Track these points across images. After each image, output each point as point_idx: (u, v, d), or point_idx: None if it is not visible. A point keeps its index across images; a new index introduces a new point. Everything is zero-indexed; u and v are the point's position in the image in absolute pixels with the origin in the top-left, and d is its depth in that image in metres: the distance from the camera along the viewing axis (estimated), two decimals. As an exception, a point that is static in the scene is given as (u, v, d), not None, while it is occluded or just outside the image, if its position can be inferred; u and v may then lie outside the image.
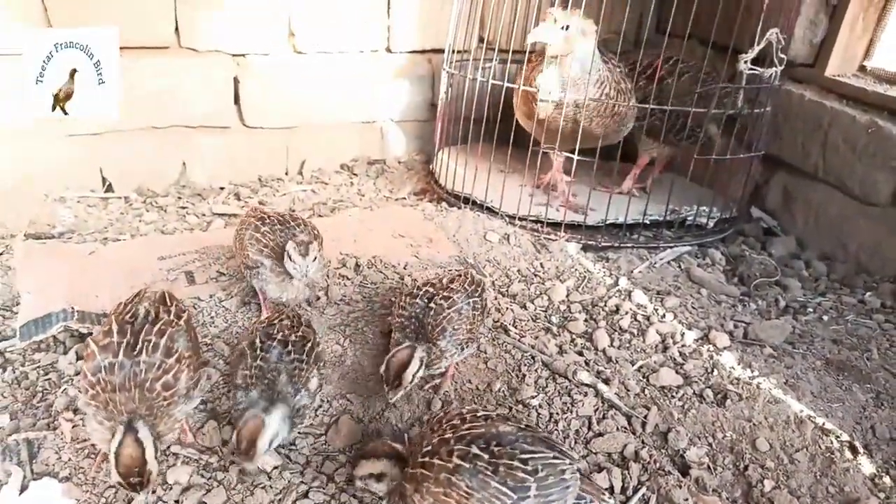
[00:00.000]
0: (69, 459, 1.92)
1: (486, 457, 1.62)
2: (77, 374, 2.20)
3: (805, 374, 2.55)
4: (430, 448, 1.67)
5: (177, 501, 1.84)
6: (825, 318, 2.94)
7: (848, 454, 2.20)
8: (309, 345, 2.05)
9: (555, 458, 1.68)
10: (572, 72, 3.04)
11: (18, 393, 2.16)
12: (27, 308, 2.37)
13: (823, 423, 2.30)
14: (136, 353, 1.74)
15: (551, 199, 3.52)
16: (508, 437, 1.68)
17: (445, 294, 2.26)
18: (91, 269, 2.68)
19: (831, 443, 2.23)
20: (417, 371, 2.09)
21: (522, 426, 1.75)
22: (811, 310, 3.00)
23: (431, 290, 2.28)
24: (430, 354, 2.14)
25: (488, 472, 1.60)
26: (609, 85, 3.14)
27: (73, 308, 2.36)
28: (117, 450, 1.63)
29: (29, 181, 3.48)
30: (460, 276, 2.39)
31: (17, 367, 2.27)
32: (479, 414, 1.75)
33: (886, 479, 2.13)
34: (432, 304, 2.23)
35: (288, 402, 1.87)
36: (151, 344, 1.77)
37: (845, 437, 2.26)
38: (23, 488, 1.80)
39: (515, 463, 1.62)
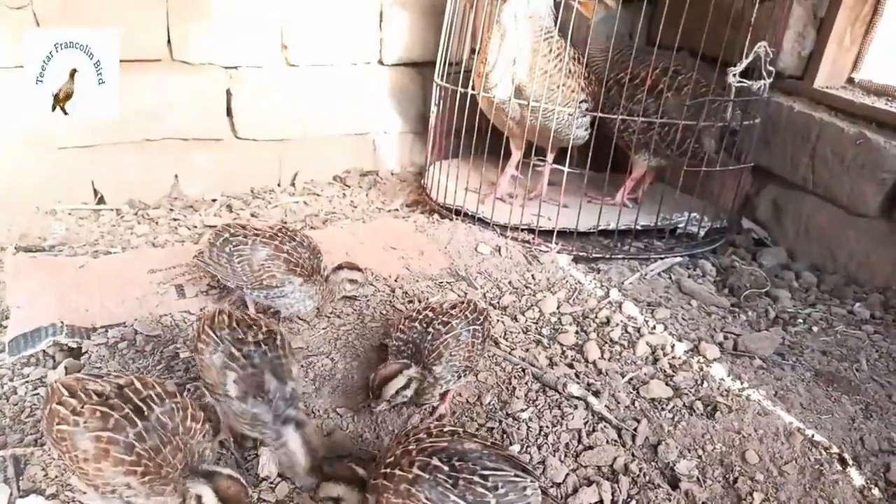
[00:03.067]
0: (56, 476, 1.91)
1: (446, 469, 1.63)
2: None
3: (794, 385, 2.55)
4: (392, 459, 1.69)
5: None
6: (815, 329, 2.96)
7: (837, 466, 2.21)
8: (279, 337, 2.08)
9: (516, 475, 1.68)
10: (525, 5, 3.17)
11: (6, 408, 2.15)
12: (17, 322, 2.37)
13: (813, 435, 2.31)
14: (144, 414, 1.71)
15: (498, 195, 3.66)
16: (472, 454, 1.69)
17: (444, 319, 2.24)
18: (81, 282, 2.68)
19: (820, 454, 2.24)
20: (403, 388, 2.09)
21: (488, 444, 1.77)
22: (801, 321, 3.01)
23: (431, 314, 2.27)
24: (424, 380, 2.13)
25: (447, 485, 1.61)
26: (559, 46, 3.25)
27: (62, 322, 2.36)
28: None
29: (20, 193, 3.47)
30: (462, 302, 2.37)
31: (6, 382, 2.26)
32: (445, 429, 1.77)
33: (875, 491, 2.13)
34: (430, 329, 2.21)
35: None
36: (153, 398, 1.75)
37: (834, 449, 2.26)
38: (10, 505, 1.79)
39: (476, 478, 1.63)
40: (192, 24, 3.56)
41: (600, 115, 3.30)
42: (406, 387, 2.10)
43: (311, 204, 3.91)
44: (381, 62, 4.16)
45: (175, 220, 3.61)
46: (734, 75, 3.11)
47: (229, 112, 3.86)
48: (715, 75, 3.28)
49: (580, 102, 3.40)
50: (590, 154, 3.37)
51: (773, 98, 3.51)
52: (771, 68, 3.19)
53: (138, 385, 1.74)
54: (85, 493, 1.81)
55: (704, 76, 3.34)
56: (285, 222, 3.65)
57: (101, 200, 3.71)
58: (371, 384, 2.11)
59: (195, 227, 3.52)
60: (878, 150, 3.16)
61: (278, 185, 4.14)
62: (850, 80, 3.58)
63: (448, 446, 1.69)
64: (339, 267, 2.62)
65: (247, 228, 2.56)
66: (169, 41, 3.58)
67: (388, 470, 1.67)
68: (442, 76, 3.63)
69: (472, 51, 3.91)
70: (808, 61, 3.59)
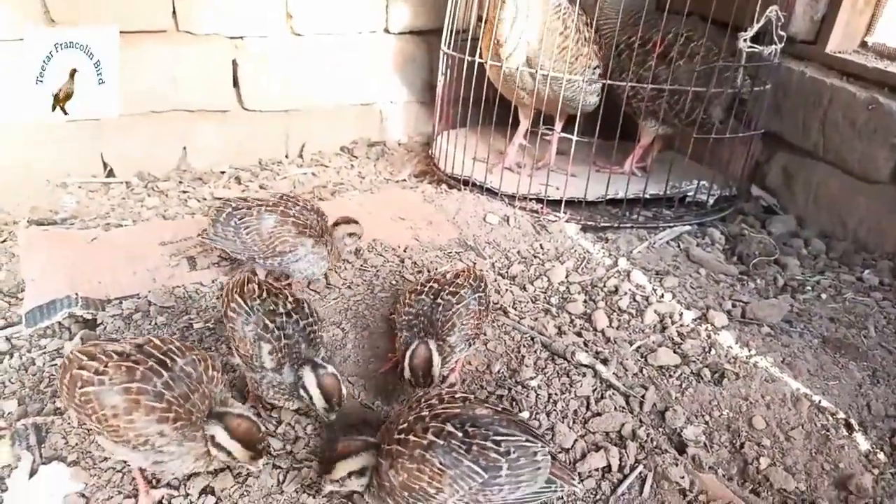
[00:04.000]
0: (76, 444, 1.96)
1: (460, 435, 1.66)
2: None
3: (802, 352, 2.57)
4: (405, 425, 1.71)
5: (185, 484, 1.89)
6: (823, 296, 2.96)
7: (843, 431, 2.24)
8: (306, 305, 2.12)
9: (527, 441, 1.72)
10: None
11: (26, 378, 2.20)
12: (32, 295, 2.41)
13: (819, 401, 2.33)
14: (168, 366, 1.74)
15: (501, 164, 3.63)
16: (483, 419, 1.72)
17: (452, 290, 2.25)
18: (94, 255, 2.71)
19: (827, 420, 2.26)
20: (440, 364, 2.10)
21: (499, 409, 1.79)
22: (809, 288, 3.01)
23: (436, 286, 2.28)
24: (441, 350, 2.14)
25: (461, 451, 1.64)
26: (567, 14, 3.17)
27: (76, 294, 2.39)
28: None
29: (30, 168, 3.49)
30: (464, 271, 2.38)
31: (24, 353, 2.30)
32: (457, 395, 1.79)
33: (881, 455, 2.16)
34: (440, 300, 2.22)
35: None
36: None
37: (841, 415, 2.29)
38: (32, 472, 1.84)
39: (488, 444, 1.66)
40: (196, -8, 3.53)
41: (609, 81, 3.27)
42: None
43: (319, 175, 3.91)
44: (387, 31, 4.12)
45: (184, 192, 3.62)
46: (745, 40, 3.07)
47: (235, 83, 3.84)
48: (725, 41, 3.24)
49: (594, 69, 3.37)
50: (598, 122, 3.35)
51: (784, 63, 3.47)
52: (782, 33, 3.13)
53: (157, 342, 1.79)
54: (113, 453, 1.85)
55: (715, 42, 3.30)
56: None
57: (110, 173, 3.72)
58: (413, 376, 2.07)
59: (205, 199, 3.53)
60: (891, 115, 3.13)
61: (286, 156, 4.14)
62: (864, 44, 3.52)
63: (461, 412, 1.72)
64: (336, 224, 2.64)
65: (248, 200, 2.59)
66: (174, 12, 3.55)
67: (402, 436, 1.69)
68: (449, 44, 3.59)
69: (479, 18, 3.87)
70: (820, 25, 3.53)
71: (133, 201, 3.49)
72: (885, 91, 3.21)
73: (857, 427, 2.25)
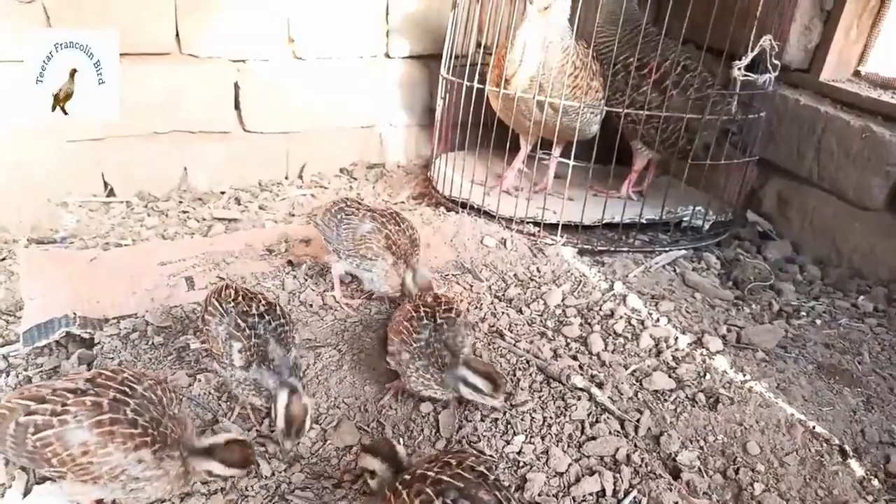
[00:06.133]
0: (71, 464, 1.96)
1: None
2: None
3: (797, 378, 2.58)
4: (410, 477, 1.66)
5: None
6: (818, 321, 2.98)
7: (837, 457, 2.24)
8: (278, 308, 2.22)
9: None
10: (549, 28, 3.12)
11: (21, 397, 2.20)
12: (30, 313, 2.42)
13: (814, 427, 2.34)
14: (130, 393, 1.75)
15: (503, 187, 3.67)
16: None
17: (445, 309, 2.29)
18: (93, 274, 2.73)
19: (821, 446, 2.27)
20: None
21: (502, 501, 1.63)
22: (804, 314, 3.03)
23: (428, 309, 2.29)
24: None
25: None
26: (576, 54, 3.20)
27: (74, 314, 2.41)
28: None
29: (31, 186, 3.51)
30: (438, 296, 2.42)
31: (21, 372, 2.31)
32: (476, 468, 1.68)
33: (875, 482, 2.16)
34: (440, 320, 2.24)
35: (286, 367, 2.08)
36: None
37: (835, 441, 2.29)
38: (26, 492, 1.84)
39: None
40: (200, 17, 3.59)
41: (608, 108, 3.31)
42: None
43: (318, 196, 3.94)
44: (387, 55, 4.18)
45: (184, 212, 3.65)
46: (739, 69, 3.12)
47: (237, 105, 3.88)
48: (720, 68, 3.28)
49: (600, 100, 3.40)
50: (595, 147, 3.38)
51: (778, 91, 3.52)
52: (776, 62, 3.19)
53: (108, 373, 1.76)
54: (74, 495, 1.80)
55: (710, 70, 3.35)
56: (293, 214, 3.69)
57: (111, 193, 3.75)
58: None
59: (204, 219, 3.56)
60: (884, 144, 3.17)
61: (286, 177, 4.17)
62: (857, 73, 3.58)
63: (463, 488, 1.61)
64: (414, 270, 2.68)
65: (361, 204, 2.78)
66: (177, 35, 3.61)
67: (401, 486, 1.65)
68: (449, 69, 3.64)
69: (478, 45, 3.93)
70: (814, 54, 3.60)
71: (133, 220, 3.52)
72: (878, 119, 3.26)
73: (851, 453, 2.25)
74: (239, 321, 2.10)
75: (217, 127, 3.89)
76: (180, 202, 3.77)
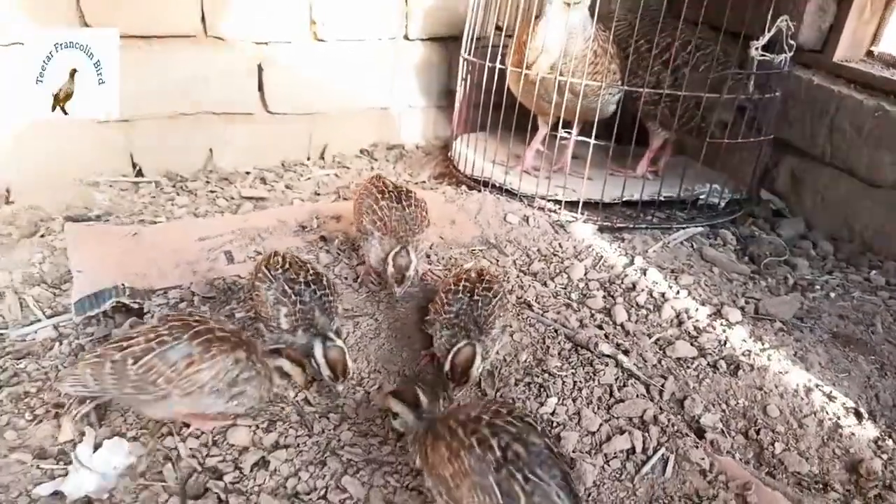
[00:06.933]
0: (134, 421, 2.08)
1: (498, 453, 1.67)
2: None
3: (813, 346, 2.69)
4: (464, 417, 1.77)
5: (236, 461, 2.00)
6: (832, 294, 3.08)
7: (853, 419, 2.35)
8: (325, 279, 2.37)
9: (556, 494, 1.66)
10: (572, 19, 3.21)
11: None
12: (80, 285, 2.52)
13: (830, 392, 2.45)
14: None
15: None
16: (531, 448, 1.69)
17: (486, 286, 2.38)
18: (136, 249, 2.83)
19: (837, 409, 2.38)
20: (480, 366, 2.22)
21: (554, 451, 1.74)
22: (818, 287, 3.13)
23: (468, 284, 2.40)
24: (486, 349, 2.27)
25: (491, 467, 1.66)
26: (596, 42, 3.29)
27: (123, 285, 2.51)
28: None
29: (62, 166, 3.61)
30: (484, 269, 2.51)
31: (73, 340, 2.41)
32: (525, 418, 1.79)
33: (889, 442, 2.27)
34: (476, 297, 2.34)
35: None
36: None
37: (851, 404, 2.40)
38: (96, 446, 1.95)
39: (518, 475, 1.65)
40: (225, 0, 3.66)
41: (626, 87, 3.40)
42: (482, 363, 2.21)
43: (341, 176, 4.03)
44: (406, 37, 4.25)
45: (212, 191, 3.74)
46: (757, 49, 3.20)
47: (260, 87, 3.96)
48: (738, 50, 3.36)
49: (619, 81, 3.48)
50: (615, 127, 3.47)
51: (792, 71, 3.59)
52: (792, 42, 3.27)
53: (175, 314, 2.06)
54: (180, 412, 1.98)
55: (725, 51, 3.42)
56: (318, 193, 3.79)
57: (139, 173, 3.84)
58: (452, 373, 2.19)
59: (233, 198, 3.65)
60: (896, 122, 3.26)
61: (308, 158, 4.26)
62: (870, 53, 3.66)
63: (515, 433, 1.71)
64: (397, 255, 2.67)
65: (386, 182, 2.84)
66: (203, 18, 3.68)
67: (454, 424, 1.75)
68: (469, 51, 3.72)
69: (498, 28, 4.00)
70: (828, 34, 3.67)
71: (163, 200, 3.61)
72: (891, 99, 3.34)
73: (866, 416, 2.36)
74: (286, 288, 2.25)
75: (241, 108, 3.97)
76: (207, 182, 3.86)
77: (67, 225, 3.00)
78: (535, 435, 1.73)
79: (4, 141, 3.39)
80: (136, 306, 2.49)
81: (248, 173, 3.99)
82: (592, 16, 3.31)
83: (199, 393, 1.87)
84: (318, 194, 3.78)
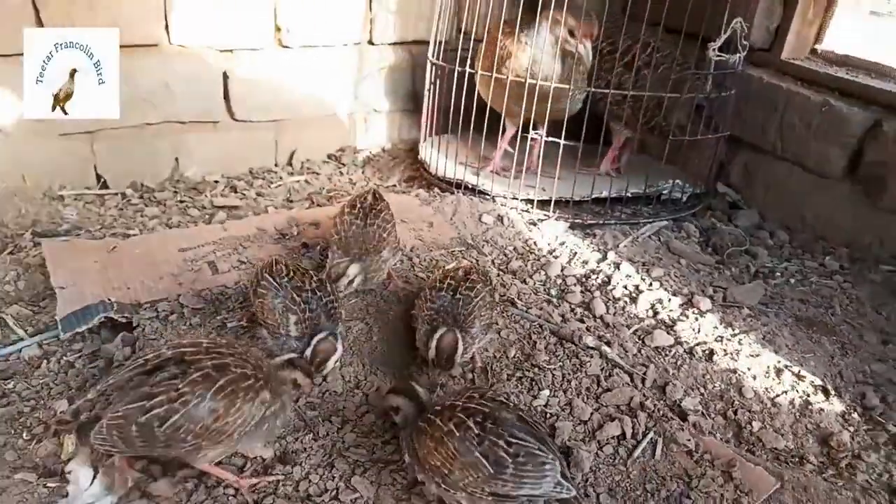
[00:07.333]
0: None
1: (476, 430, 1.83)
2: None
3: (779, 330, 2.86)
4: (440, 408, 1.92)
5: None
6: (792, 280, 3.27)
7: (821, 396, 2.52)
8: (328, 285, 2.43)
9: (539, 450, 1.83)
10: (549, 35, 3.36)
11: (71, 381, 2.28)
12: (65, 301, 2.49)
13: (799, 371, 2.61)
14: None
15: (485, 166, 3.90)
16: (506, 422, 1.86)
17: (468, 285, 2.46)
18: (117, 263, 2.79)
19: (806, 387, 2.54)
20: (462, 352, 2.31)
21: (528, 420, 1.91)
22: (779, 274, 3.32)
23: (453, 282, 2.47)
24: (464, 341, 2.34)
25: (474, 443, 1.81)
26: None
27: (110, 299, 2.48)
28: None
29: (24, 181, 3.52)
30: (472, 268, 2.59)
31: (62, 357, 2.38)
32: (496, 399, 1.95)
33: (855, 415, 2.45)
34: (459, 296, 2.42)
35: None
36: None
37: (818, 382, 2.57)
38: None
39: (501, 442, 1.81)
40: (189, 7, 3.63)
41: (593, 89, 3.53)
42: (464, 349, 2.33)
43: (311, 182, 4.04)
44: (371, 42, 4.29)
45: (182, 201, 3.70)
46: (714, 50, 3.37)
47: (226, 95, 3.94)
48: (696, 51, 3.52)
49: (586, 81, 3.60)
50: (583, 129, 3.60)
51: (745, 70, 3.78)
52: (745, 42, 3.45)
53: (189, 349, 1.89)
54: (212, 460, 1.94)
55: (683, 53, 3.58)
56: (290, 200, 3.79)
57: (104, 185, 3.77)
58: (437, 358, 2.30)
59: (205, 207, 3.62)
60: (841, 117, 3.47)
61: (276, 164, 4.25)
62: (814, 51, 3.88)
63: (488, 412, 1.87)
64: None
65: (377, 197, 2.87)
66: (167, 26, 3.64)
67: (433, 417, 1.90)
68: (437, 55, 3.79)
69: (459, 31, 4.08)
70: (775, 34, 3.87)
71: (132, 211, 3.56)
72: (835, 94, 3.55)
73: (833, 392, 2.54)
74: (294, 295, 2.29)
75: (207, 116, 3.94)
76: (175, 192, 3.81)
77: (44, 241, 2.93)
78: (506, 411, 1.89)
79: (-37, 157, 3.30)
80: (123, 321, 2.47)
81: (216, 182, 3.96)
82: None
83: (229, 441, 1.84)
84: (291, 201, 3.79)
